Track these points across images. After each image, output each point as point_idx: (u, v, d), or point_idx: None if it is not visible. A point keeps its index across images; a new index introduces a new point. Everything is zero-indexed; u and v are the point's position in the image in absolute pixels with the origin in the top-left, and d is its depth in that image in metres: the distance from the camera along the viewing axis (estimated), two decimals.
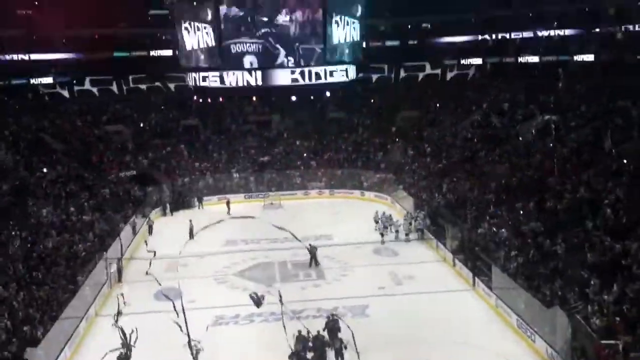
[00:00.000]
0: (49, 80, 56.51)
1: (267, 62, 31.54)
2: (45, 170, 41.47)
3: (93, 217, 37.48)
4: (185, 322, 21.17)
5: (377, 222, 38.80)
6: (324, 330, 22.78)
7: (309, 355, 21.73)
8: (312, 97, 59.82)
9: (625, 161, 30.55)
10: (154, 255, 25.96)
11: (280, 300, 22.00)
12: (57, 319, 24.07)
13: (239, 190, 50.76)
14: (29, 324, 23.21)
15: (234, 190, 50.50)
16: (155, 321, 26.87)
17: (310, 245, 33.62)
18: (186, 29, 32.44)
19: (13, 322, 23.02)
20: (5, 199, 34.53)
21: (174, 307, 21.80)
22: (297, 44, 31.44)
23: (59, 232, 33.17)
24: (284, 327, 22.00)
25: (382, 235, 37.57)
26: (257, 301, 19.70)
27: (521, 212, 31.47)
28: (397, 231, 37.86)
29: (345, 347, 21.86)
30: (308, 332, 22.46)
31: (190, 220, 39.44)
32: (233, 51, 31.23)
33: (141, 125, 57.48)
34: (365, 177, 51.11)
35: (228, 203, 46.08)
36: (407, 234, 37.52)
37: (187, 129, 58.20)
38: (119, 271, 32.99)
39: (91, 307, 27.78)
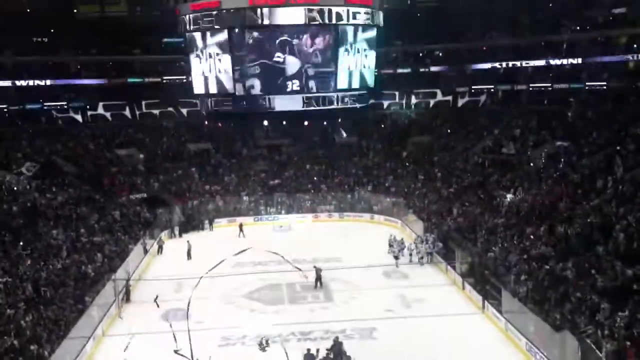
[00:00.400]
0: (62, 104, 57.09)
1: (279, 87, 31.79)
2: (54, 189, 41.72)
3: (103, 238, 37.62)
4: (190, 346, 21.10)
5: (391, 245, 38.65)
6: (329, 351, 22.69)
7: None
8: (324, 122, 59.99)
9: (637, 187, 30.36)
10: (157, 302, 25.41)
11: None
12: (64, 339, 24.02)
13: (248, 213, 50.80)
14: (36, 343, 23.18)
15: (243, 213, 50.55)
16: (163, 342, 26.88)
17: (315, 266, 33.93)
18: (198, 56, 32.80)
19: (20, 341, 23.00)
20: (16, 220, 34.73)
21: (174, 335, 21.81)
22: (309, 70, 31.69)
23: (68, 253, 33.30)
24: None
25: (396, 258, 37.44)
26: (263, 347, 19.50)
27: (531, 236, 31.28)
28: (410, 254, 37.74)
29: None
30: (317, 350, 22.35)
31: (188, 241, 40.66)
32: (246, 76, 31.52)
33: (153, 149, 57.82)
34: (376, 201, 51.04)
35: (241, 226, 46.02)
36: (421, 257, 37.36)
37: (199, 152, 58.53)
38: (127, 291, 33.01)
39: (98, 327, 27.74)
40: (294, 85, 31.39)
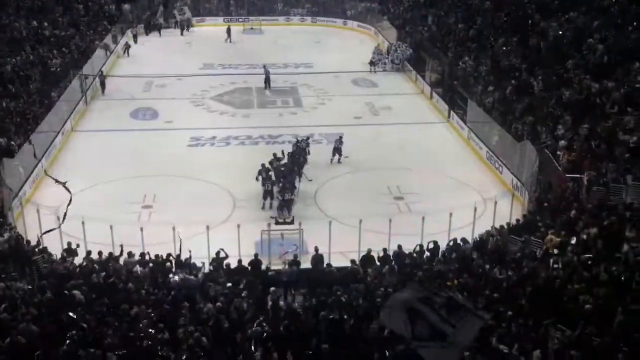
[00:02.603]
0: None
1: None
2: None
3: (68, 32, 36.35)
4: None
5: (379, 54, 38.30)
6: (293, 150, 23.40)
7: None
8: None
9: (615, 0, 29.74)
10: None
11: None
12: (33, 132, 24.03)
13: (218, 14, 49.19)
14: (5, 136, 23.15)
15: (213, 13, 48.95)
16: (132, 139, 27.28)
17: (264, 66, 34.68)
18: None
19: None
20: None
21: None
22: None
23: (32, 47, 32.25)
24: None
25: (373, 64, 37.34)
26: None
27: (503, 48, 31.04)
28: (384, 63, 37.62)
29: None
30: (282, 152, 22.86)
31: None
32: None
33: None
34: (350, 6, 49.62)
35: (229, 30, 43.96)
36: (396, 63, 37.30)
37: None
38: (102, 84, 33.06)
39: (67, 122, 27.73)
40: None
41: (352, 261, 16.47)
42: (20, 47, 31.42)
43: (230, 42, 42.97)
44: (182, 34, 45.84)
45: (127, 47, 40.60)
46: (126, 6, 46.12)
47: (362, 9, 48.65)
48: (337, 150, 25.12)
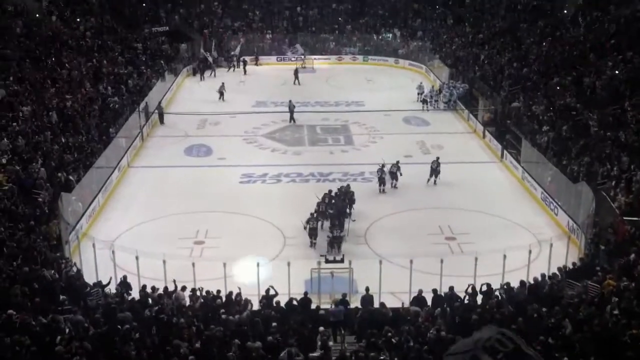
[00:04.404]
0: None
1: None
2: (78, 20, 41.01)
3: (126, 70, 37.52)
4: None
5: (421, 93, 38.12)
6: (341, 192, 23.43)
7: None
8: None
9: None
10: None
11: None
12: (90, 167, 24.68)
13: (271, 53, 50.08)
14: (63, 170, 23.85)
15: (266, 52, 49.85)
16: (185, 175, 27.78)
17: (290, 101, 35.00)
18: None
19: (48, 168, 23.60)
20: (38, 48, 34.42)
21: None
22: None
23: (92, 84, 33.35)
24: None
25: (425, 102, 37.31)
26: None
27: (558, 87, 30.71)
28: (436, 101, 37.61)
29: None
30: (333, 190, 22.97)
31: (223, 83, 39.51)
32: None
33: None
34: (401, 44, 49.90)
35: (296, 72, 43.53)
36: (447, 101, 37.25)
37: None
38: (161, 116, 34.48)
39: (124, 157, 28.41)
40: None
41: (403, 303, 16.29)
42: (81, 84, 32.54)
43: (298, 84, 42.94)
44: (233, 70, 46.84)
45: (221, 92, 39.23)
46: (183, 45, 47.47)
47: (414, 48, 48.86)
48: (392, 175, 25.60)
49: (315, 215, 21.50)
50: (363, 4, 54.28)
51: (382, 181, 25.41)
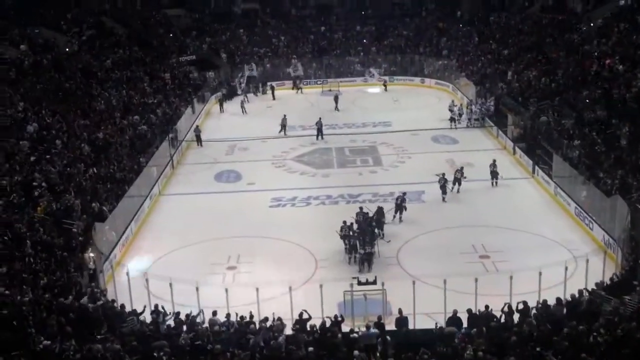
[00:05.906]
0: None
1: None
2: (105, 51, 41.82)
3: (155, 99, 38.10)
4: None
5: (451, 110, 38.05)
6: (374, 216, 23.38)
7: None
8: None
9: None
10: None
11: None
12: (122, 197, 24.97)
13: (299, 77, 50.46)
14: (97, 200, 24.15)
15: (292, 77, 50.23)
16: (216, 201, 27.95)
17: (320, 119, 36.15)
18: None
19: (82, 199, 23.93)
20: (69, 83, 35.09)
21: None
22: None
23: (123, 115, 33.88)
24: None
25: (453, 121, 37.25)
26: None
27: (587, 100, 30.34)
28: (469, 119, 37.54)
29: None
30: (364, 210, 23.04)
31: (285, 116, 38.07)
32: None
33: (201, 8, 57.01)
34: (427, 64, 49.92)
35: (337, 98, 43.44)
36: (476, 119, 37.36)
37: (246, 13, 57.47)
38: (198, 137, 35.69)
39: (155, 186, 28.69)
40: None
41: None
42: (111, 115, 33.09)
43: (338, 110, 42.83)
44: (256, 94, 47.66)
45: (283, 124, 37.93)
46: (210, 74, 48.11)
47: (439, 67, 48.84)
48: (457, 180, 27.20)
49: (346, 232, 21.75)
50: (387, 26, 54.55)
51: (444, 189, 26.39)
